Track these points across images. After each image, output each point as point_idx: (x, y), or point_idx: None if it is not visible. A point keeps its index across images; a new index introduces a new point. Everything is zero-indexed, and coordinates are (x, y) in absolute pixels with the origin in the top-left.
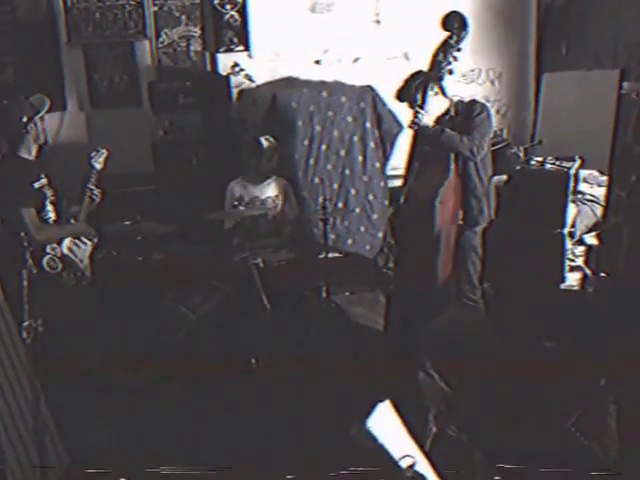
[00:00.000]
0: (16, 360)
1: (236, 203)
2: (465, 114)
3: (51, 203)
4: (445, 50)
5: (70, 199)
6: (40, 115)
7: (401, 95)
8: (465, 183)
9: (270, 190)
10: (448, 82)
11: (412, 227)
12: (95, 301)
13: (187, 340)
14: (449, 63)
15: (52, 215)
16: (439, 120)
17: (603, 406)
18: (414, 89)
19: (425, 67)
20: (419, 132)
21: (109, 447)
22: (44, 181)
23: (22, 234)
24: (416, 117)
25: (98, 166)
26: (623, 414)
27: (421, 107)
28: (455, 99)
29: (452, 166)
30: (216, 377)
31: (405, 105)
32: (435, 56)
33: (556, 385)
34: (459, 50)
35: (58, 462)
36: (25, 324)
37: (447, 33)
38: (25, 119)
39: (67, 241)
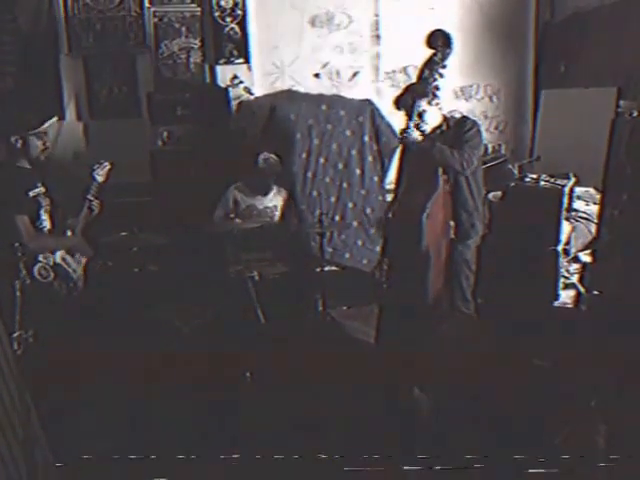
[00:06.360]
0: (6, 371)
1: (232, 215)
2: (456, 129)
3: (46, 212)
4: (431, 67)
5: (67, 210)
6: (31, 133)
7: (399, 103)
8: (456, 197)
9: (269, 200)
10: (444, 97)
11: (400, 241)
12: (87, 312)
13: (180, 353)
14: (435, 80)
15: (47, 224)
16: (431, 133)
17: (593, 425)
18: (411, 100)
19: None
20: (408, 145)
21: (99, 459)
22: (40, 190)
23: (16, 244)
24: (407, 129)
25: (100, 179)
26: (613, 431)
27: (417, 120)
28: (448, 114)
29: (440, 180)
30: (210, 391)
31: (402, 115)
32: (421, 73)
33: (547, 402)
34: (444, 67)
35: (47, 474)
36: (16, 335)
37: (432, 51)
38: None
39: (61, 251)
